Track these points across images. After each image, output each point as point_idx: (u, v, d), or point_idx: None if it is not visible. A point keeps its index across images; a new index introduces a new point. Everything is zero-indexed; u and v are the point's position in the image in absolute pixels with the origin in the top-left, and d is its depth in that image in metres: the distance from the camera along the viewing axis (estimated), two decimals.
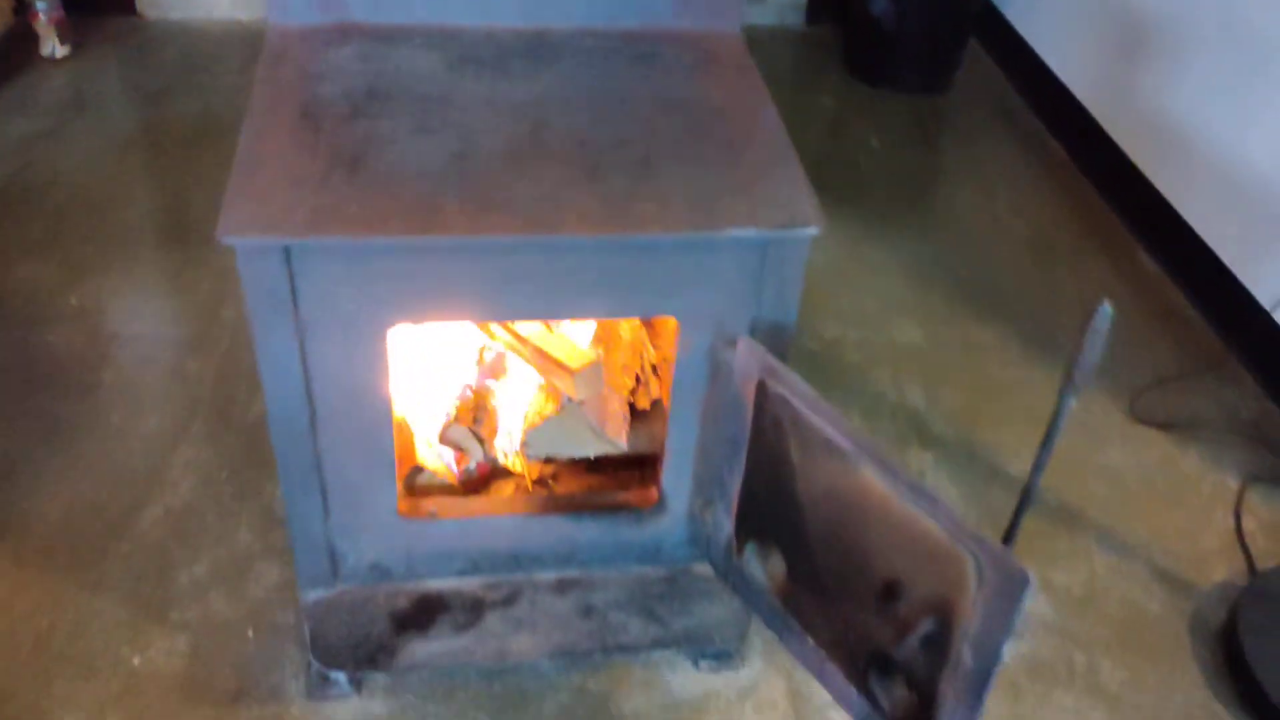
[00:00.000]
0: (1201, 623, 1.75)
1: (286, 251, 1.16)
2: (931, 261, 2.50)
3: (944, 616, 1.10)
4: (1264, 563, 1.83)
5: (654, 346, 1.63)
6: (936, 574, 1.09)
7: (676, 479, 1.43)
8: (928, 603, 1.11)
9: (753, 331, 1.28)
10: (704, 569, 1.53)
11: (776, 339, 1.29)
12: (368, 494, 1.38)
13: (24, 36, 2.95)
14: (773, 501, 1.29)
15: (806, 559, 1.27)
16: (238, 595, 1.72)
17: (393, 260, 1.19)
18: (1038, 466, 1.20)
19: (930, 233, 2.61)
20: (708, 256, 1.24)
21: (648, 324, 1.64)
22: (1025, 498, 1.24)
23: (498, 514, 1.47)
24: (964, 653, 1.09)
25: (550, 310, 1.28)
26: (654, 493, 1.47)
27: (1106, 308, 1.00)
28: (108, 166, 2.62)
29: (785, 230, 1.21)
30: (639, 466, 1.61)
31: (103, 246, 2.37)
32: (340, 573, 1.45)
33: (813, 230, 1.21)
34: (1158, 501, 1.96)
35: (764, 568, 1.36)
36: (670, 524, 1.48)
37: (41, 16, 2.87)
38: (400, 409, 1.49)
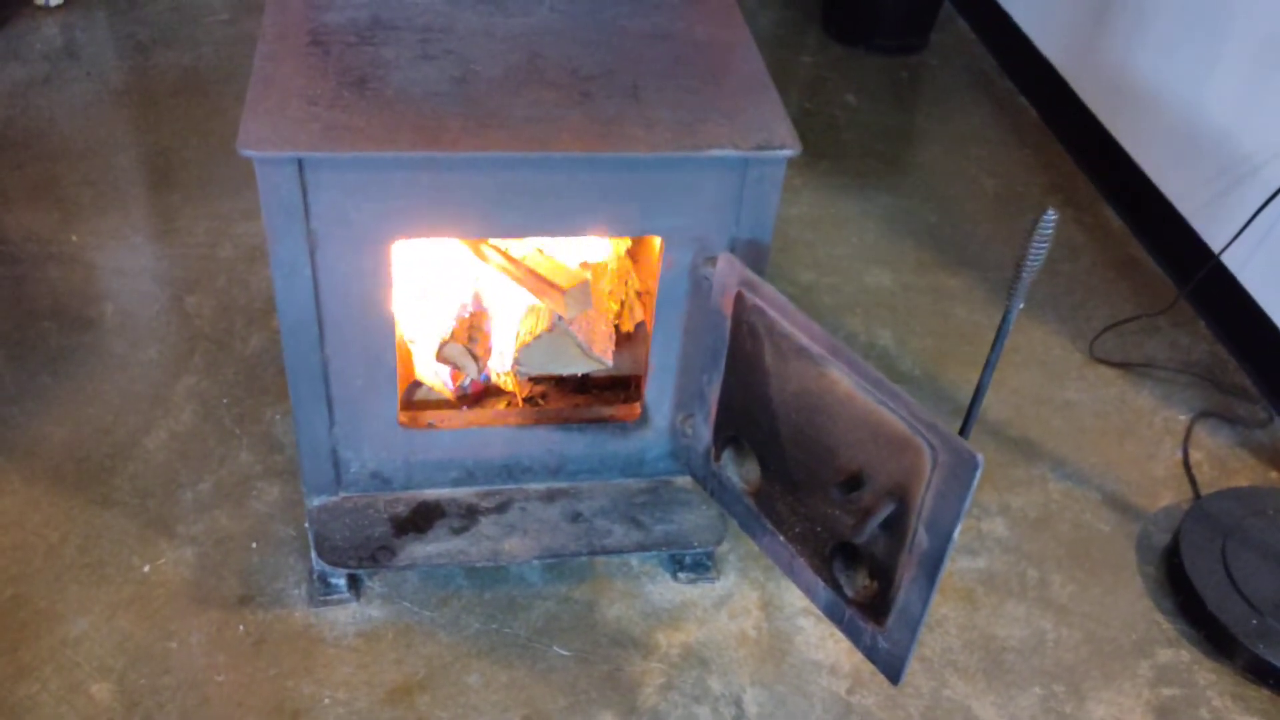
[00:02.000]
0: (1147, 542, 1.87)
1: (300, 164, 1.24)
2: (905, 214, 2.60)
3: (902, 500, 1.20)
4: (1208, 490, 1.94)
5: (637, 276, 1.72)
6: (896, 462, 1.20)
7: (659, 393, 1.53)
8: (887, 489, 1.22)
9: (732, 249, 1.38)
10: (684, 481, 1.63)
11: (754, 257, 1.39)
12: (370, 403, 1.47)
13: None
14: (748, 408, 1.39)
15: (778, 459, 1.37)
16: (241, 511, 1.80)
17: (398, 174, 1.28)
18: (989, 364, 1.30)
19: (904, 187, 2.71)
20: (691, 176, 1.33)
21: (632, 255, 1.74)
22: (978, 392, 1.35)
23: (491, 425, 1.57)
24: (920, 534, 1.19)
25: (544, 227, 1.37)
26: (637, 408, 1.57)
27: (1051, 213, 1.10)
28: (103, 113, 2.68)
29: (763, 151, 1.30)
30: (623, 389, 1.71)
31: (99, 189, 2.44)
32: (343, 480, 1.55)
33: (789, 152, 1.31)
34: (1111, 435, 2.08)
35: (739, 471, 1.46)
36: (653, 437, 1.58)
37: None
38: (401, 328, 1.58)
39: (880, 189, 2.69)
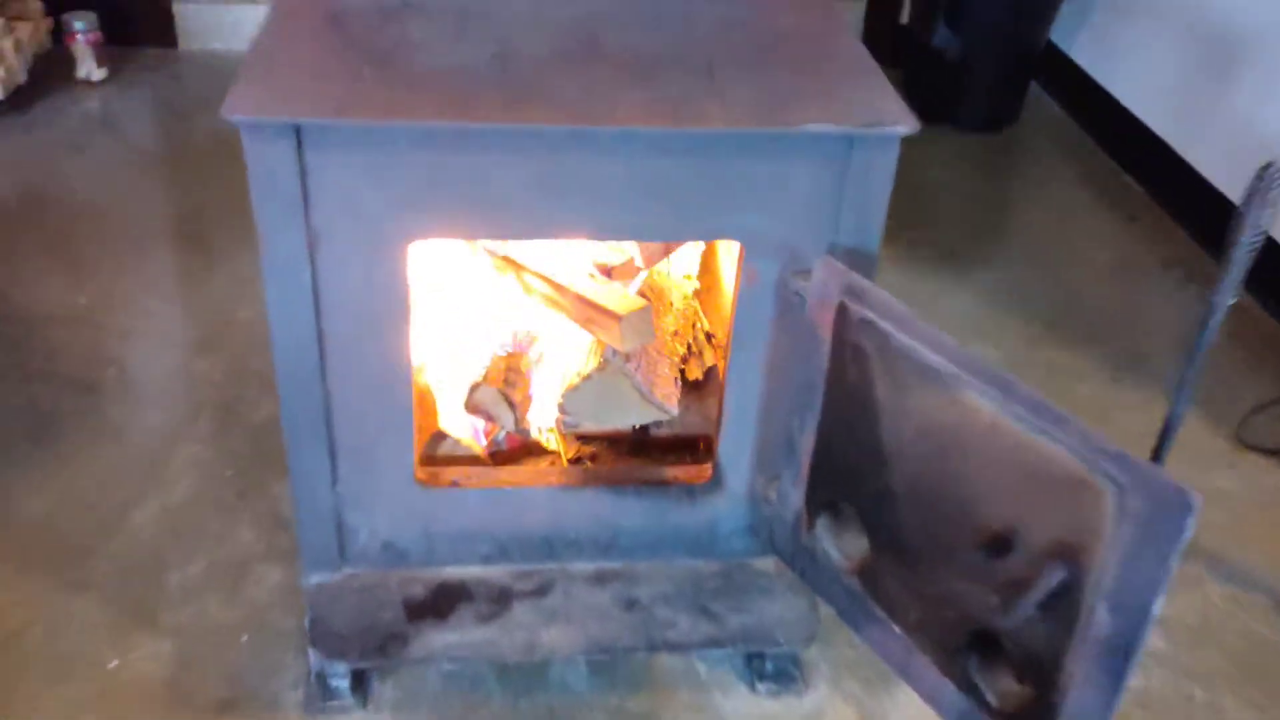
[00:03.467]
0: None
1: (298, 134, 1.00)
2: (1006, 287, 2.31)
3: (1072, 565, 0.89)
4: None
5: (706, 319, 1.45)
6: (1062, 513, 0.89)
7: (735, 447, 1.24)
8: (1049, 551, 0.91)
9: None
10: (765, 564, 1.32)
11: (858, 270, 1.11)
12: (382, 453, 1.20)
13: (62, 59, 2.89)
14: (852, 457, 1.09)
15: (892, 523, 1.07)
16: (235, 598, 1.53)
17: (420, 153, 1.03)
18: (1183, 382, 1.00)
19: (1002, 259, 2.44)
20: (778, 162, 1.07)
21: (700, 294, 1.47)
22: (1172, 416, 1.04)
23: (529, 485, 1.28)
24: (1099, 613, 0.88)
25: (594, 226, 1.11)
26: (708, 468, 1.28)
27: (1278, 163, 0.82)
28: (130, 177, 2.52)
29: (872, 129, 1.04)
30: (690, 452, 1.42)
31: (117, 251, 2.25)
32: (349, 552, 1.26)
33: (904, 129, 1.04)
34: (1273, 528, 1.73)
35: (839, 543, 1.15)
36: (727, 505, 1.28)
37: (79, 38, 2.81)
38: (422, 365, 1.32)
39: (976, 261, 2.41)
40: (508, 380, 1.29)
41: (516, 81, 1.08)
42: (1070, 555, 0.89)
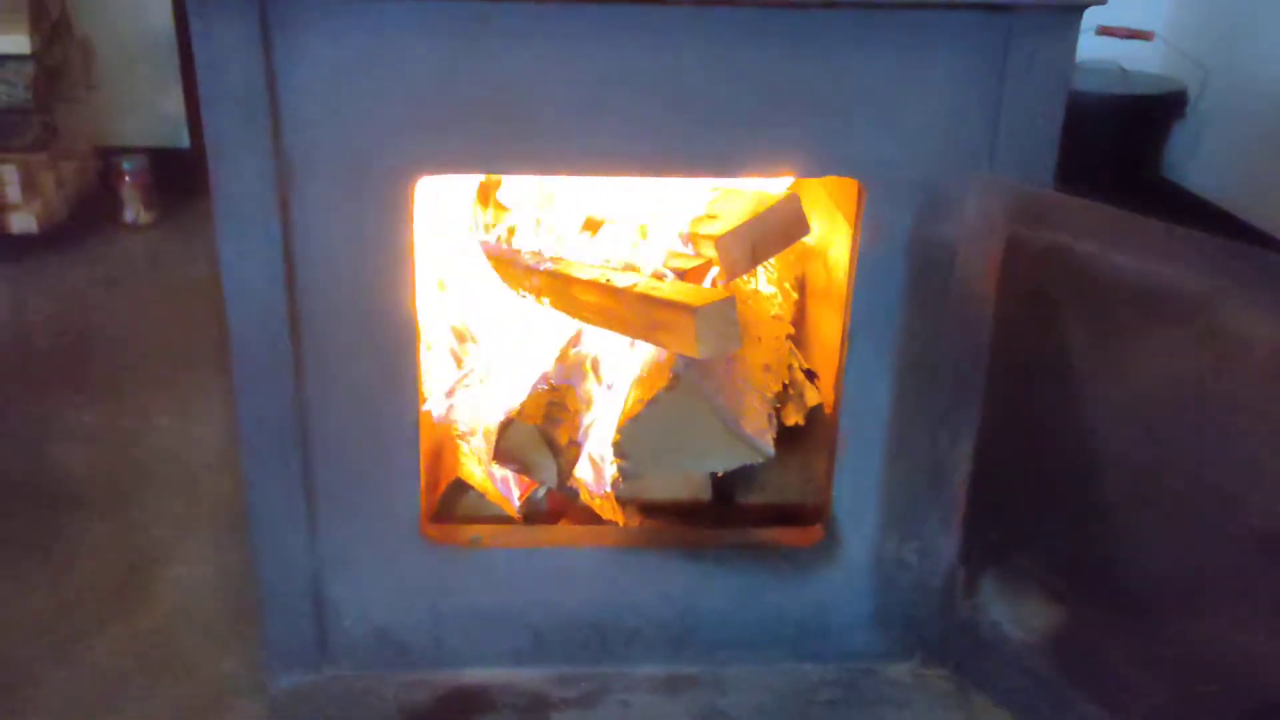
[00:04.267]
0: None
1: (263, 9, 0.75)
2: None
3: None
4: None
5: (801, 357, 1.14)
6: None
7: (855, 493, 0.90)
8: None
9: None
10: (900, 671, 0.96)
11: None
12: (377, 492, 0.89)
13: (110, 202, 2.79)
14: (1032, 471, 0.76)
15: (1108, 557, 0.72)
16: None
17: (429, 43, 0.77)
18: None
19: None
20: (909, 52, 0.79)
21: (796, 339, 1.17)
22: None
23: (572, 546, 0.95)
24: None
25: (655, 152, 0.83)
26: (817, 528, 0.94)
27: None
28: (160, 311, 2.34)
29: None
30: (792, 522, 1.07)
31: (136, 374, 2.03)
32: (331, 643, 0.94)
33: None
34: None
35: (1016, 608, 0.80)
36: (845, 580, 0.93)
37: (126, 179, 2.70)
38: (441, 403, 1.02)
39: None
40: (549, 416, 0.98)
41: None
42: None
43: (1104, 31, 2.28)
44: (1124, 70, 2.30)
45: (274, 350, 0.83)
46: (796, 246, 1.09)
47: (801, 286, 1.21)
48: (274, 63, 0.76)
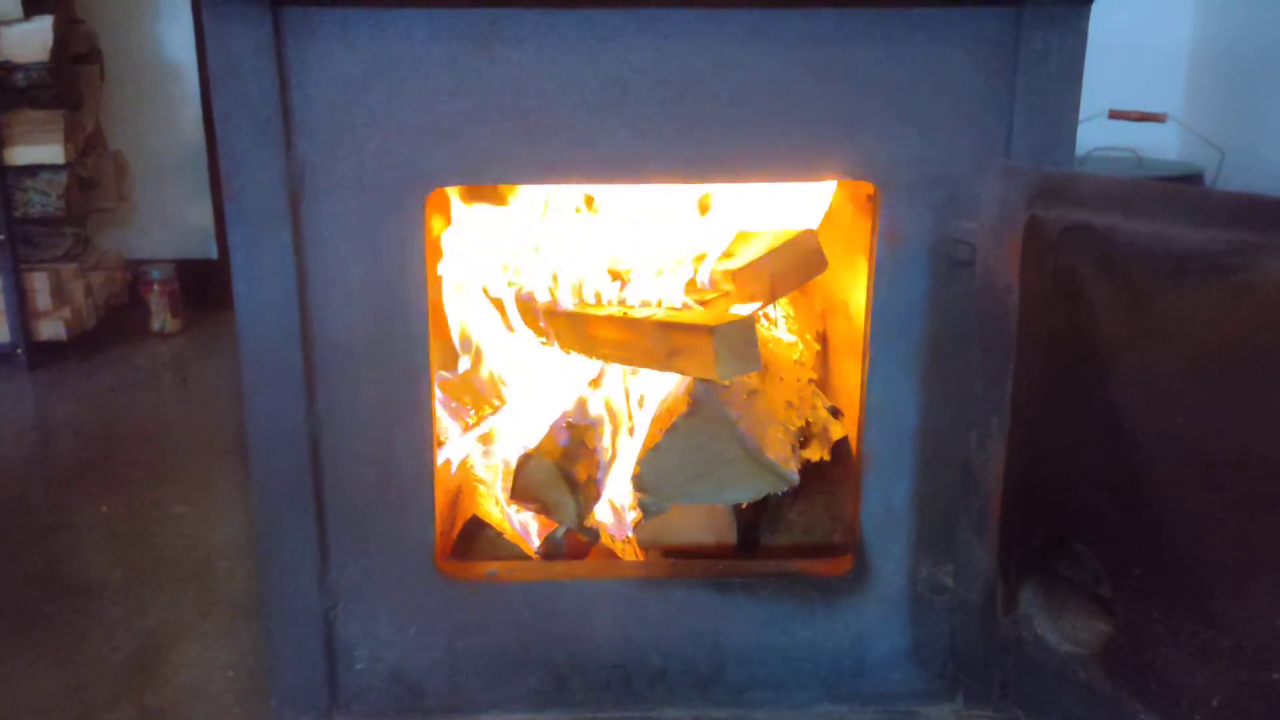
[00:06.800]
0: None
1: (276, 14, 0.76)
2: None
3: None
4: None
5: (824, 396, 1.12)
6: None
7: (885, 516, 0.87)
8: None
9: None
10: (941, 713, 0.90)
11: None
12: (391, 522, 0.86)
13: (138, 312, 2.83)
14: (1070, 463, 0.73)
15: (1157, 550, 0.68)
16: None
17: (437, 48, 0.78)
18: None
19: None
20: (920, 49, 0.79)
21: (819, 382, 1.14)
22: None
23: (594, 578, 0.91)
24: None
25: (669, 158, 0.82)
26: (848, 558, 0.90)
27: None
28: (183, 411, 2.34)
29: None
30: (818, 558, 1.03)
31: (155, 468, 2.02)
32: (342, 685, 0.89)
33: None
34: None
35: (1061, 619, 0.76)
36: (879, 611, 0.89)
37: (154, 288, 2.74)
38: (456, 444, 1.00)
39: None
40: (568, 454, 0.96)
41: None
42: None
43: (1116, 115, 2.28)
44: (1139, 158, 2.30)
45: (285, 371, 0.81)
46: (816, 301, 1.08)
47: (823, 340, 1.19)
48: (287, 72, 0.77)
